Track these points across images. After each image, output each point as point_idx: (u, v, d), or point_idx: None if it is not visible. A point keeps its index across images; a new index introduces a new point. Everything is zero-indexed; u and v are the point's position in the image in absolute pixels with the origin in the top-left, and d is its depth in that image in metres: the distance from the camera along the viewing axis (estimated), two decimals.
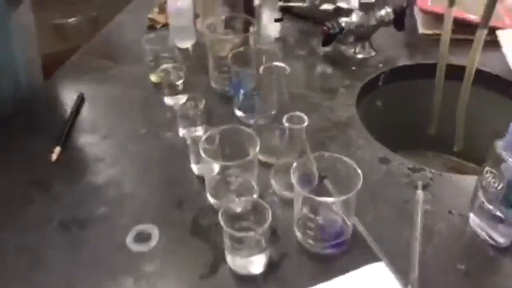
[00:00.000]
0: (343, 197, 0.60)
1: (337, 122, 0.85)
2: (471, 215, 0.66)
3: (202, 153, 0.65)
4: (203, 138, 0.67)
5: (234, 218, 0.60)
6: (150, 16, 1.15)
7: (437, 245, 0.64)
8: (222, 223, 0.58)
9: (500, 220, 0.62)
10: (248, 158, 0.64)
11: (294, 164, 0.62)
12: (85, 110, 0.89)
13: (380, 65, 1.00)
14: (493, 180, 0.60)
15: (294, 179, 0.61)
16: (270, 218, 0.57)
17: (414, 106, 1.02)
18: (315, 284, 0.59)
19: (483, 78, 0.93)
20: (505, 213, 0.60)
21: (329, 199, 0.63)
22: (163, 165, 0.78)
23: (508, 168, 0.58)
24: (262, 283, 0.60)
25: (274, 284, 0.60)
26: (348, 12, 1.00)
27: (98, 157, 0.79)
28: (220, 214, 0.58)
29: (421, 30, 1.09)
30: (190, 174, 0.75)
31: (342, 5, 1.01)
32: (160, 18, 1.15)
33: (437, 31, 1.06)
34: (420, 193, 0.70)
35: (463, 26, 0.99)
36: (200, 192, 0.71)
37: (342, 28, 0.96)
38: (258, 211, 0.60)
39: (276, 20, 1.12)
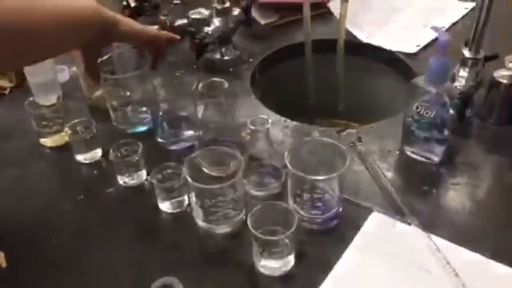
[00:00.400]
0: (330, 176, 0.66)
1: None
2: (406, 147, 0.80)
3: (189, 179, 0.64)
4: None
5: (260, 223, 0.62)
6: None
7: (398, 179, 0.76)
8: (250, 227, 0.59)
9: (436, 141, 0.76)
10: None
11: (287, 150, 0.67)
12: None
13: (250, 59, 1.08)
14: (425, 111, 0.73)
15: (287, 160, 0.65)
16: (296, 220, 0.61)
17: (293, 83, 1.13)
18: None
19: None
20: (440, 134, 0.75)
21: (318, 177, 0.68)
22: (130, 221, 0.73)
23: (433, 95, 0.72)
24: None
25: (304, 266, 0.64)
26: (203, 22, 1.05)
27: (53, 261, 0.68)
28: (249, 217, 0.60)
29: (262, 21, 1.20)
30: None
31: (196, 16, 1.06)
32: (4, 83, 1.02)
33: (275, 19, 1.20)
34: (361, 147, 0.81)
35: (291, 10, 1.16)
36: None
37: (213, 37, 1.01)
38: (282, 215, 0.62)
39: None
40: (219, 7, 1.03)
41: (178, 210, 0.72)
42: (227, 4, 1.04)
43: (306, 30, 1.00)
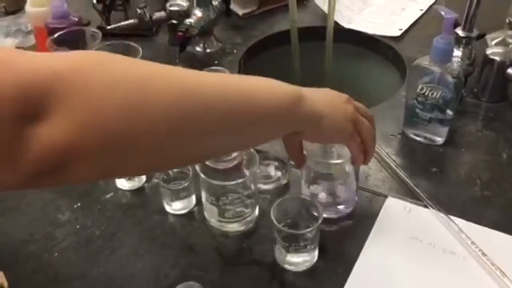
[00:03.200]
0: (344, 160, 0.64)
1: None
2: (409, 130, 0.79)
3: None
4: None
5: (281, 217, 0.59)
6: None
7: (405, 163, 0.75)
8: (274, 221, 0.57)
9: (439, 122, 0.75)
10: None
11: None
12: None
13: (234, 51, 1.05)
14: (430, 92, 0.72)
15: (306, 150, 0.62)
16: (322, 212, 0.58)
17: (278, 73, 1.10)
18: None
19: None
20: (443, 115, 0.74)
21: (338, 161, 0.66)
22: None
23: (437, 75, 0.71)
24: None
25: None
26: (183, 14, 1.00)
27: (59, 277, 0.62)
28: (272, 211, 0.57)
29: (240, 11, 1.16)
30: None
31: (175, 8, 1.01)
32: None
33: (252, 9, 1.17)
34: None
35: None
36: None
37: (196, 28, 0.97)
38: (304, 207, 0.60)
39: None
40: None
41: (186, 210, 0.68)
42: None
43: (292, 17, 0.98)
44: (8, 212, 0.70)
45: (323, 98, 0.56)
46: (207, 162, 0.64)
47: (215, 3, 1.03)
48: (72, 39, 0.88)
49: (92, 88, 0.38)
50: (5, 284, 0.59)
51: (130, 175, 0.67)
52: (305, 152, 0.62)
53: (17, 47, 0.92)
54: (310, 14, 1.15)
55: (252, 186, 0.64)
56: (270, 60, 1.09)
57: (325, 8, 1.12)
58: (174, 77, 0.43)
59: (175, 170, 0.68)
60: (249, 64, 1.05)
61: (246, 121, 0.47)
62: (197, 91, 0.43)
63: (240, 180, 0.60)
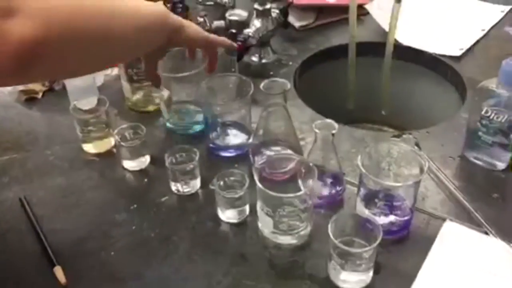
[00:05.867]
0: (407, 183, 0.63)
1: None
2: (469, 152, 0.77)
3: None
4: None
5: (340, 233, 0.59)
6: (22, 88, 0.97)
7: (464, 186, 0.73)
8: (332, 237, 0.57)
9: (502, 147, 0.73)
10: None
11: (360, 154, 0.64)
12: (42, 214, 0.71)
13: (290, 62, 1.05)
14: (496, 116, 0.70)
15: (360, 164, 0.62)
16: (381, 231, 0.57)
17: (332, 87, 1.10)
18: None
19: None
20: (507, 139, 0.72)
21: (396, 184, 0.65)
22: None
23: (504, 98, 0.69)
24: None
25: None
26: (242, 24, 1.02)
27: (115, 275, 0.64)
28: (329, 227, 0.57)
29: (297, 24, 1.17)
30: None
31: (235, 18, 1.03)
32: (36, 87, 0.98)
33: (310, 21, 1.18)
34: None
35: (325, 12, 1.16)
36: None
37: (255, 38, 0.98)
38: (361, 225, 0.59)
39: None
40: (260, 8, 1.00)
41: (240, 219, 0.69)
42: (268, 6, 1.01)
43: (352, 32, 0.97)
44: (69, 209, 0.72)
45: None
46: (264, 173, 0.64)
47: (274, 14, 1.04)
48: None
49: None
50: (63, 280, 0.61)
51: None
52: (363, 170, 0.62)
53: None
54: (367, 29, 1.14)
55: (309, 201, 0.63)
56: (325, 73, 1.09)
57: (382, 23, 1.11)
58: None
59: (231, 178, 0.69)
60: (304, 76, 1.05)
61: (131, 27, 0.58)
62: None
63: (298, 193, 0.60)
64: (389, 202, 0.64)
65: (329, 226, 0.57)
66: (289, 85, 0.70)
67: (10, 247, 0.67)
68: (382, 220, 0.64)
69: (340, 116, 0.97)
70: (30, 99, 0.96)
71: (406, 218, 0.65)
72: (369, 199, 0.65)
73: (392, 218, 0.65)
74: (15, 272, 0.64)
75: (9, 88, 0.98)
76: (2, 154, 0.83)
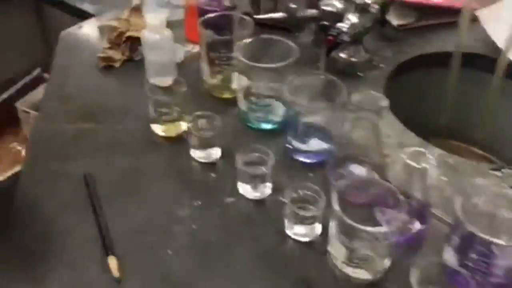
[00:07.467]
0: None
1: None
2: None
3: None
4: None
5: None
6: (102, 55, 0.95)
7: None
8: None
9: None
10: None
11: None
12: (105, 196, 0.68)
13: (381, 64, 0.96)
14: None
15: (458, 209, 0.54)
16: None
17: (429, 95, 1.00)
18: None
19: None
20: None
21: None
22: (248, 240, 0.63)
23: None
24: None
25: None
26: (334, 16, 0.93)
27: (170, 278, 0.60)
28: (411, 271, 0.50)
29: (396, 22, 1.07)
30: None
31: (329, 8, 0.94)
32: (116, 55, 0.95)
33: (410, 21, 1.07)
34: None
35: (429, 12, 1.04)
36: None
37: (348, 35, 0.89)
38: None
39: None
40: (359, 1, 0.91)
41: (308, 239, 0.63)
42: (369, 0, 0.92)
43: (459, 41, 0.87)
44: (131, 194, 0.69)
45: None
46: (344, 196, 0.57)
47: (372, 10, 0.95)
48: (221, 23, 0.86)
49: None
50: (116, 273, 0.58)
51: None
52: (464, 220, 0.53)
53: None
54: (473, 38, 1.02)
55: (391, 237, 0.56)
56: (420, 81, 0.99)
57: (494, 35, 0.98)
58: None
59: (306, 191, 0.63)
60: (396, 81, 0.96)
61: None
62: None
63: (383, 230, 0.53)
64: (489, 259, 0.55)
65: (411, 271, 0.50)
66: (386, 103, 0.62)
67: (66, 224, 0.65)
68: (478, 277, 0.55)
69: (426, 128, 0.89)
70: (107, 67, 0.94)
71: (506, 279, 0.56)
72: (462, 250, 0.56)
73: (491, 278, 0.56)
74: (66, 253, 0.61)
75: (88, 54, 0.96)
76: (74, 122, 0.81)
